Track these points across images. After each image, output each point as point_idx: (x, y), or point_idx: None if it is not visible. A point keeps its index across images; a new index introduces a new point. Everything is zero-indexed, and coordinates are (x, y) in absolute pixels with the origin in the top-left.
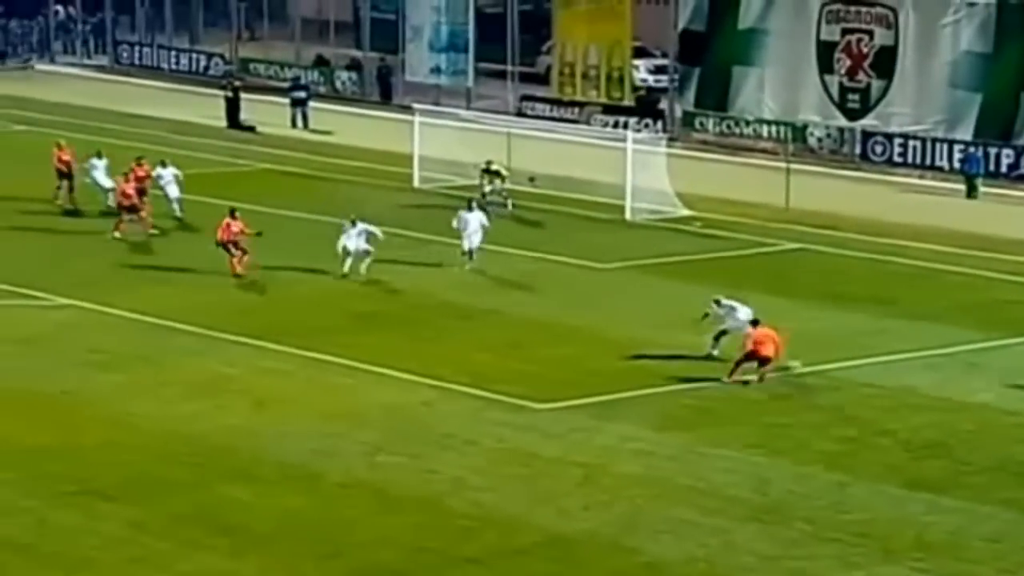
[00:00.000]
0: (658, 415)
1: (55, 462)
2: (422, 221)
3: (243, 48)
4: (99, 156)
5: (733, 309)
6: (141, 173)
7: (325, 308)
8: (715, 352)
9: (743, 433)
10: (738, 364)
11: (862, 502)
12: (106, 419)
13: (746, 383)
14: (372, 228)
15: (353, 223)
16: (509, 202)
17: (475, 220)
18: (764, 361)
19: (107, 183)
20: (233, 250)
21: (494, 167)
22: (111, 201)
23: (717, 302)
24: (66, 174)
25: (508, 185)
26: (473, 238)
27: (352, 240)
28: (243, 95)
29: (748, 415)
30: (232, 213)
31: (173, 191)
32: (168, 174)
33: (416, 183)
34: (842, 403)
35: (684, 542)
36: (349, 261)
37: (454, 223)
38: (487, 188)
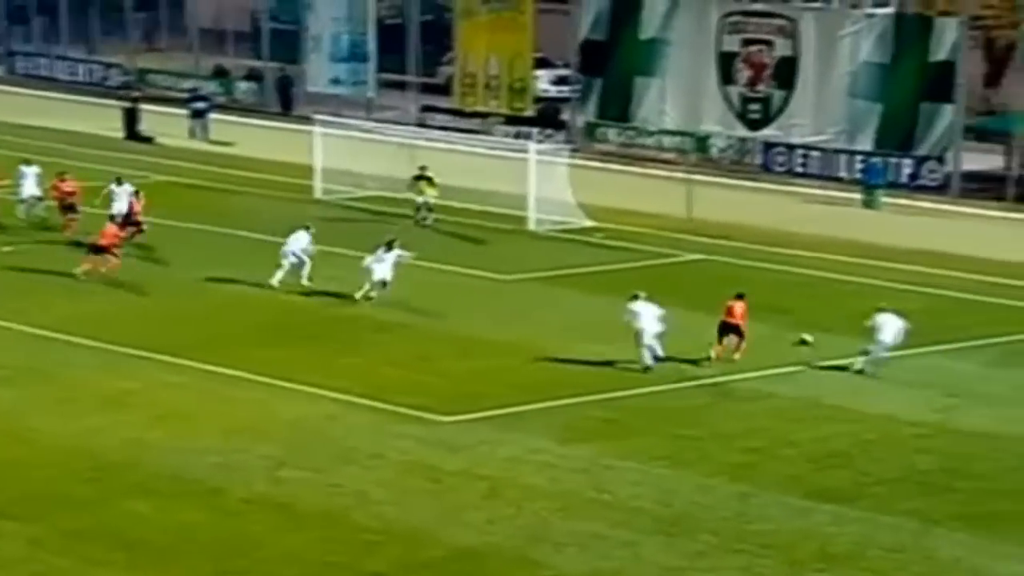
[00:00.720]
0: (564, 427)
1: None
2: (327, 233)
3: (141, 58)
4: (27, 164)
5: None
6: (67, 188)
7: (229, 321)
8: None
9: (649, 445)
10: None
11: (766, 513)
12: (3, 435)
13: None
14: (405, 253)
15: (389, 247)
16: (431, 214)
17: (391, 257)
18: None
19: (36, 192)
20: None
21: (428, 173)
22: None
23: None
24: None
25: (435, 195)
26: (388, 271)
27: (383, 266)
28: (141, 106)
29: (654, 427)
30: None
31: (33, 189)
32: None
33: (318, 194)
34: (746, 414)
35: (589, 555)
36: (367, 286)
37: (368, 260)
38: (419, 199)
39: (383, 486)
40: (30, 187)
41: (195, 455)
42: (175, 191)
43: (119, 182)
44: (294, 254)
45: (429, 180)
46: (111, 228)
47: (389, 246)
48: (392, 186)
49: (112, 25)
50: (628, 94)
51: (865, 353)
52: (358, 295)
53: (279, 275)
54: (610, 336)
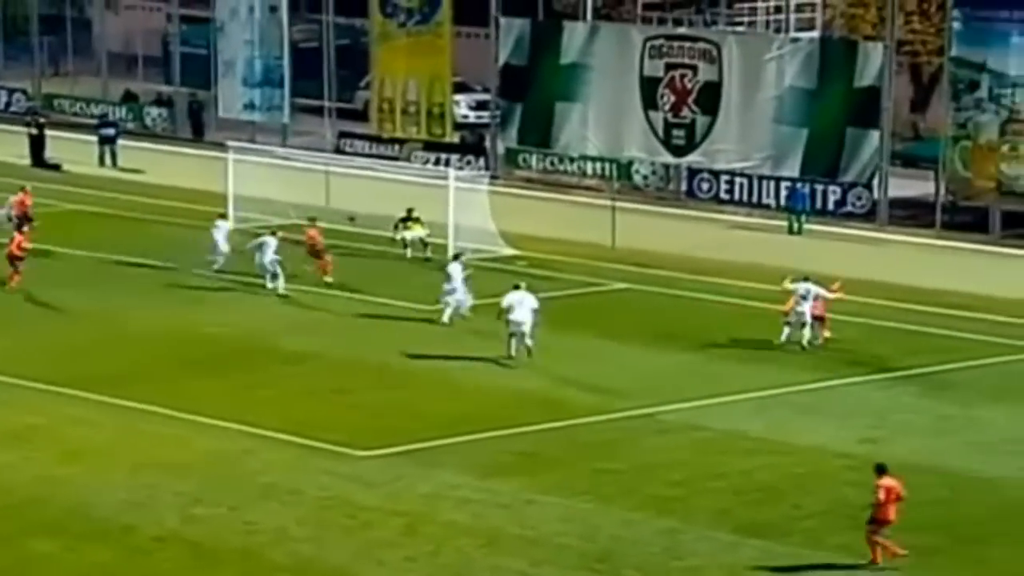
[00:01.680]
0: (485, 461)
1: None
2: (241, 261)
3: (47, 83)
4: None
5: None
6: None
7: (139, 354)
8: None
9: (571, 479)
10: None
11: (694, 548)
12: None
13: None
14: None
15: (457, 258)
16: (429, 250)
17: (458, 273)
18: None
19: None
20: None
21: (415, 215)
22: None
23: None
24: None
25: (424, 232)
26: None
27: (459, 289)
28: (48, 132)
29: (576, 460)
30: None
31: None
32: None
33: (231, 223)
34: (671, 447)
35: None
36: (449, 311)
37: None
38: (408, 235)
39: (300, 523)
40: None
41: (105, 492)
42: (84, 219)
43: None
44: (271, 263)
45: (417, 220)
46: (18, 237)
47: (456, 257)
48: (311, 215)
49: (16, 49)
50: (549, 120)
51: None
52: (444, 319)
53: (280, 283)
54: (529, 369)
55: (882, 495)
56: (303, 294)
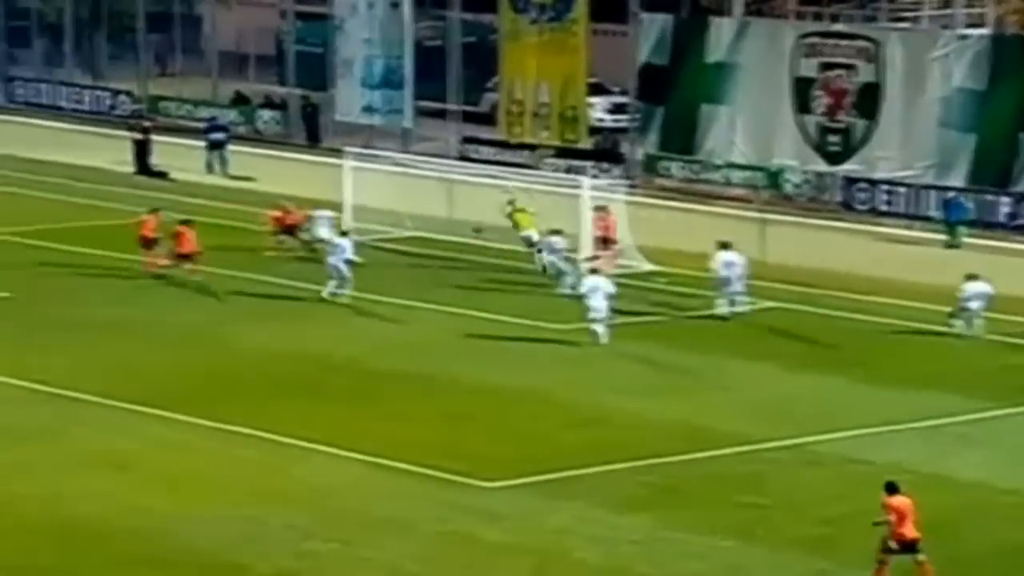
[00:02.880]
0: (618, 494)
1: None
2: (359, 279)
3: (153, 85)
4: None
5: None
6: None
7: (240, 373)
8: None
9: (713, 515)
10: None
11: None
12: None
13: None
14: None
15: (555, 233)
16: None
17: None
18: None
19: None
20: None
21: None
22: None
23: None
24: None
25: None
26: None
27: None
28: (153, 137)
29: (718, 495)
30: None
31: None
32: None
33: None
34: (823, 481)
35: None
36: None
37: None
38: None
39: (418, 560)
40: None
41: (209, 524)
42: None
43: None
44: (345, 262)
45: (523, 211)
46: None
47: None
48: (432, 226)
49: (121, 48)
50: (693, 124)
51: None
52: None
53: (346, 289)
54: (670, 394)
55: (893, 517)
56: (407, 310)
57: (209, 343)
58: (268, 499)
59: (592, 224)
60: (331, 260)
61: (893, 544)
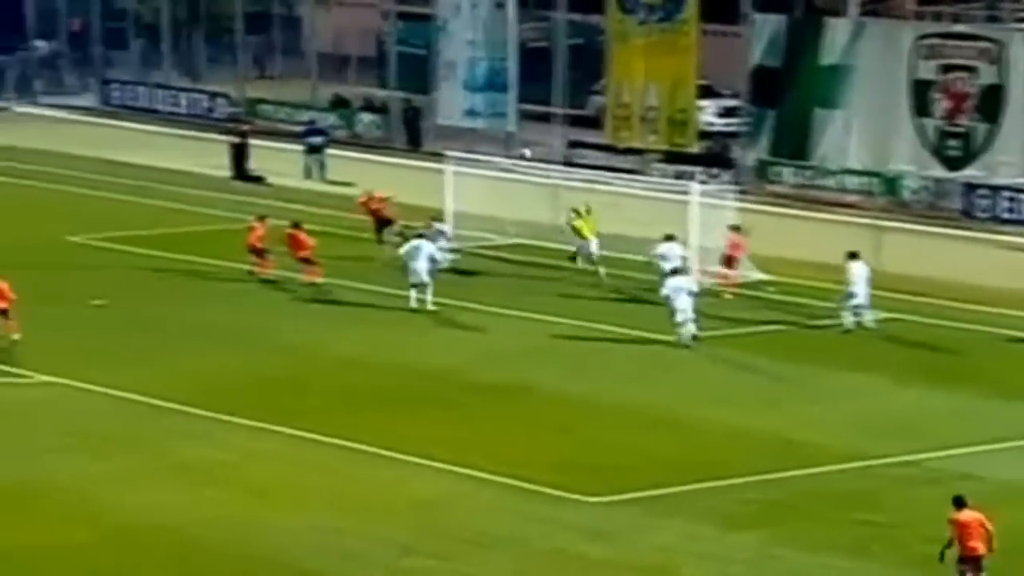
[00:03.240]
0: (725, 511)
1: (8, 567)
2: (461, 288)
3: (251, 87)
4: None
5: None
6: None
7: (335, 384)
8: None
9: (825, 533)
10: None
11: None
12: (69, 514)
13: None
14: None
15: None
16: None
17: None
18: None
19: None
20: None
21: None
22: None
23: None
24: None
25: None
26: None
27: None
28: (251, 141)
29: (829, 512)
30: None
31: None
32: None
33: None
34: (941, 498)
35: None
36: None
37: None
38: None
39: None
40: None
41: (301, 537)
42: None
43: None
44: (433, 258)
45: (585, 220)
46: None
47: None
48: (536, 233)
49: (219, 50)
50: (806, 128)
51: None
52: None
53: (428, 296)
54: (777, 407)
55: (955, 533)
56: (505, 319)
57: (303, 351)
58: (365, 513)
59: (725, 241)
60: (414, 265)
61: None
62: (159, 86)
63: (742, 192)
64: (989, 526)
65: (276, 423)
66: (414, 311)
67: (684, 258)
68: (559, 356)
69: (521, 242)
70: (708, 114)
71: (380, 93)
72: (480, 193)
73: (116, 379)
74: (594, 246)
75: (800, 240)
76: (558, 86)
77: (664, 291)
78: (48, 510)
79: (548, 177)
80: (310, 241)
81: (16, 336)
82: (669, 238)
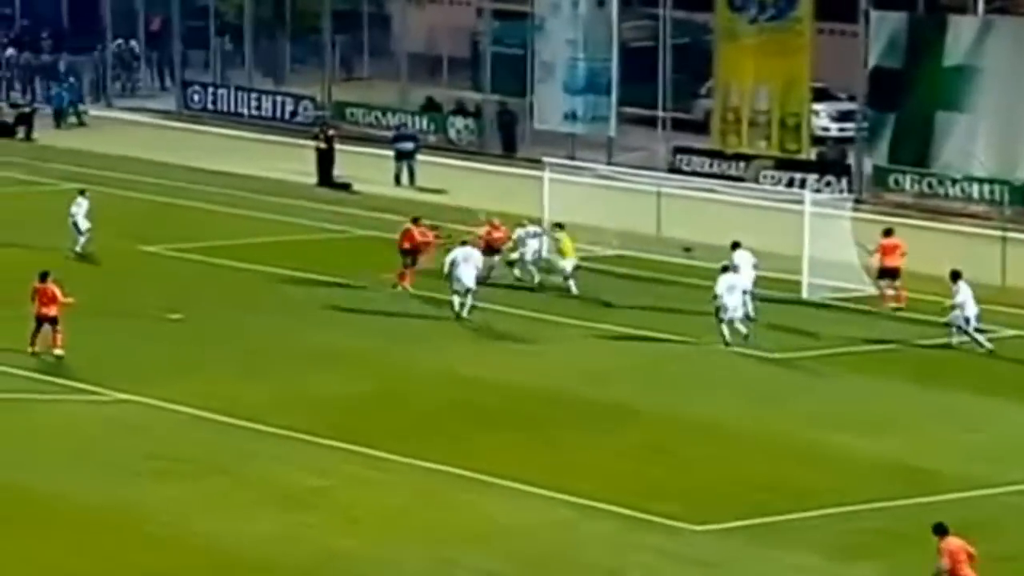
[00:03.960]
0: (838, 541)
1: None
2: (549, 301)
3: (338, 90)
4: (83, 195)
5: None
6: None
7: (428, 404)
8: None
9: None
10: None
11: None
12: (160, 541)
13: None
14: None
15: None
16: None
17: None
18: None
19: (84, 224)
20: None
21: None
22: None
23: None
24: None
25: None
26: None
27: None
28: (337, 146)
29: None
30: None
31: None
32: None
33: (547, 253)
34: None
35: None
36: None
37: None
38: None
39: None
40: (84, 221)
41: (399, 568)
42: (376, 248)
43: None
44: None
45: (565, 237)
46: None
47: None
48: (638, 244)
49: (305, 50)
50: (928, 133)
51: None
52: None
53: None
54: (890, 430)
55: (947, 562)
56: (601, 333)
57: (394, 369)
58: (460, 540)
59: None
60: (458, 273)
61: None
62: (241, 88)
63: (858, 201)
64: (973, 551)
65: (368, 445)
66: (458, 316)
67: (755, 265)
68: (662, 375)
69: (623, 254)
70: (822, 118)
71: (474, 96)
72: (579, 202)
73: (194, 397)
74: (570, 265)
75: (920, 253)
76: (662, 88)
77: (717, 289)
78: (136, 536)
79: (652, 185)
80: (422, 237)
81: (59, 352)
82: (735, 246)
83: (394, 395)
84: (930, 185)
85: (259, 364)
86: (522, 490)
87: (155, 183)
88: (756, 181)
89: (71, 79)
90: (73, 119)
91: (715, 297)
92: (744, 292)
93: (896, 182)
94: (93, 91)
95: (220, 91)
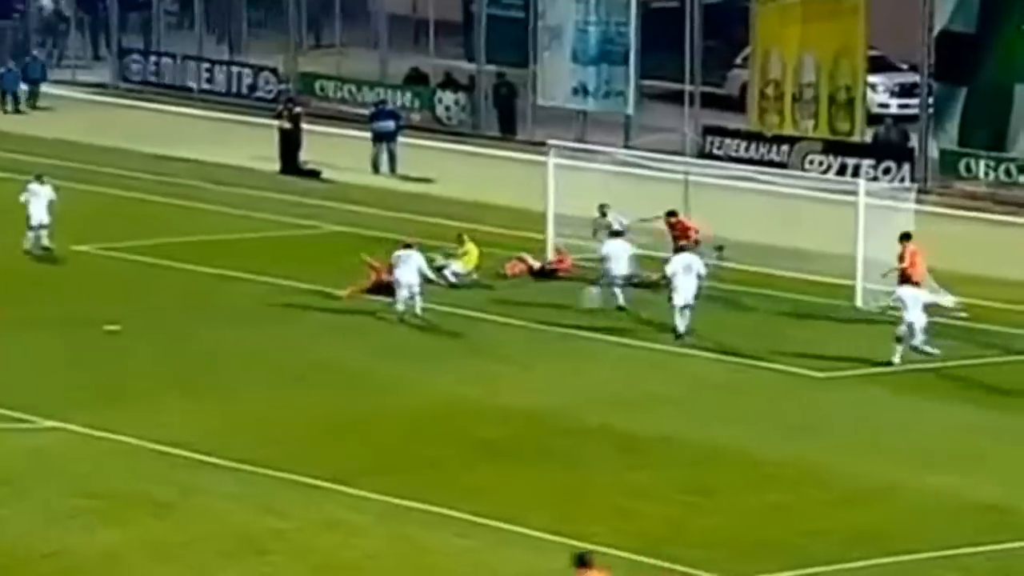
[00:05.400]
0: None
1: None
2: (566, 312)
3: (305, 60)
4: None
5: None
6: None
7: (422, 431)
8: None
9: None
10: None
11: None
12: None
13: None
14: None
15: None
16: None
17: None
18: None
19: (44, 218)
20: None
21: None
22: (36, 244)
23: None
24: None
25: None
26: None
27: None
28: (305, 126)
29: None
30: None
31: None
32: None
33: (551, 254)
34: None
35: None
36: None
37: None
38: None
39: None
40: (39, 212)
41: None
42: (350, 247)
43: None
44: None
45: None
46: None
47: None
48: (661, 242)
49: (265, 13)
50: (1006, 111)
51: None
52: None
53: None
54: (974, 465)
55: None
56: (624, 350)
57: (369, 390)
58: None
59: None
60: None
61: None
62: (189, 58)
63: (923, 192)
64: None
65: (336, 480)
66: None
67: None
68: (698, 400)
69: (646, 253)
70: (880, 93)
71: (466, 67)
72: (591, 192)
73: (133, 424)
74: (460, 268)
75: (997, 253)
76: (690, 57)
77: (670, 268)
78: None
79: (678, 172)
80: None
81: None
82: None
83: (368, 420)
84: (1008, 172)
85: (209, 384)
86: (519, 533)
87: (88, 170)
88: (801, 168)
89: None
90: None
91: (664, 278)
92: (700, 277)
93: (968, 169)
94: (16, 60)
95: (164, 61)
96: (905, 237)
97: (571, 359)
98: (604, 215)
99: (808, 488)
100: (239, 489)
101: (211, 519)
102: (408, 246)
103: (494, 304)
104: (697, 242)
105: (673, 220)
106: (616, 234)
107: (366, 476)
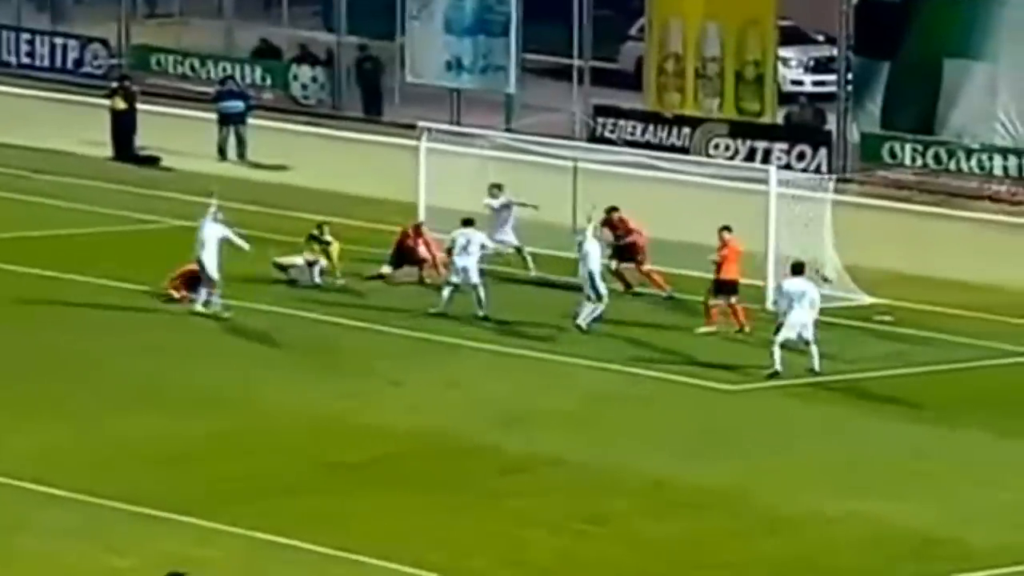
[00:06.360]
0: None
1: None
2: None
3: (140, 30)
4: None
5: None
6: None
7: (278, 455)
8: None
9: None
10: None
11: None
12: None
13: None
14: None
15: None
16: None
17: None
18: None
19: None
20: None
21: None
22: None
23: None
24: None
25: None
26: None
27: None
28: (140, 106)
29: None
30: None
31: None
32: None
33: (422, 250)
34: None
35: None
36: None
37: None
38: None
39: None
40: None
41: None
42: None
43: None
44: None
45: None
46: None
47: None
48: (548, 238)
49: None
50: (934, 89)
51: None
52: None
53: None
54: (912, 489)
55: None
56: (518, 360)
57: (228, 407)
58: None
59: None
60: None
61: None
62: (5, 28)
63: (842, 180)
64: None
65: (188, 512)
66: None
67: (483, 246)
68: (593, 416)
69: (530, 250)
70: (793, 68)
71: (324, 38)
72: (466, 181)
73: None
74: (317, 275)
75: (925, 249)
76: (578, 29)
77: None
78: None
79: (565, 159)
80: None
81: None
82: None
83: (219, 442)
84: (937, 158)
85: (36, 401)
86: (389, 569)
87: None
88: (705, 153)
89: None
90: None
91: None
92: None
93: (892, 154)
94: None
95: None
96: (726, 228)
97: (447, 370)
98: (495, 197)
99: (715, 516)
100: (73, 522)
101: (39, 558)
102: (469, 222)
103: (358, 309)
104: (641, 246)
105: (615, 217)
106: (468, 222)
107: (216, 506)
